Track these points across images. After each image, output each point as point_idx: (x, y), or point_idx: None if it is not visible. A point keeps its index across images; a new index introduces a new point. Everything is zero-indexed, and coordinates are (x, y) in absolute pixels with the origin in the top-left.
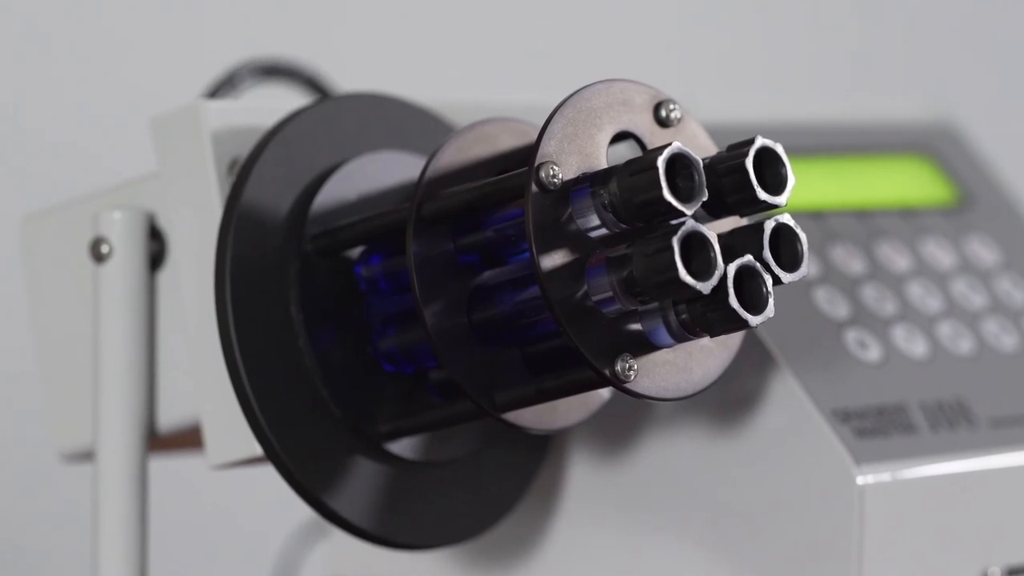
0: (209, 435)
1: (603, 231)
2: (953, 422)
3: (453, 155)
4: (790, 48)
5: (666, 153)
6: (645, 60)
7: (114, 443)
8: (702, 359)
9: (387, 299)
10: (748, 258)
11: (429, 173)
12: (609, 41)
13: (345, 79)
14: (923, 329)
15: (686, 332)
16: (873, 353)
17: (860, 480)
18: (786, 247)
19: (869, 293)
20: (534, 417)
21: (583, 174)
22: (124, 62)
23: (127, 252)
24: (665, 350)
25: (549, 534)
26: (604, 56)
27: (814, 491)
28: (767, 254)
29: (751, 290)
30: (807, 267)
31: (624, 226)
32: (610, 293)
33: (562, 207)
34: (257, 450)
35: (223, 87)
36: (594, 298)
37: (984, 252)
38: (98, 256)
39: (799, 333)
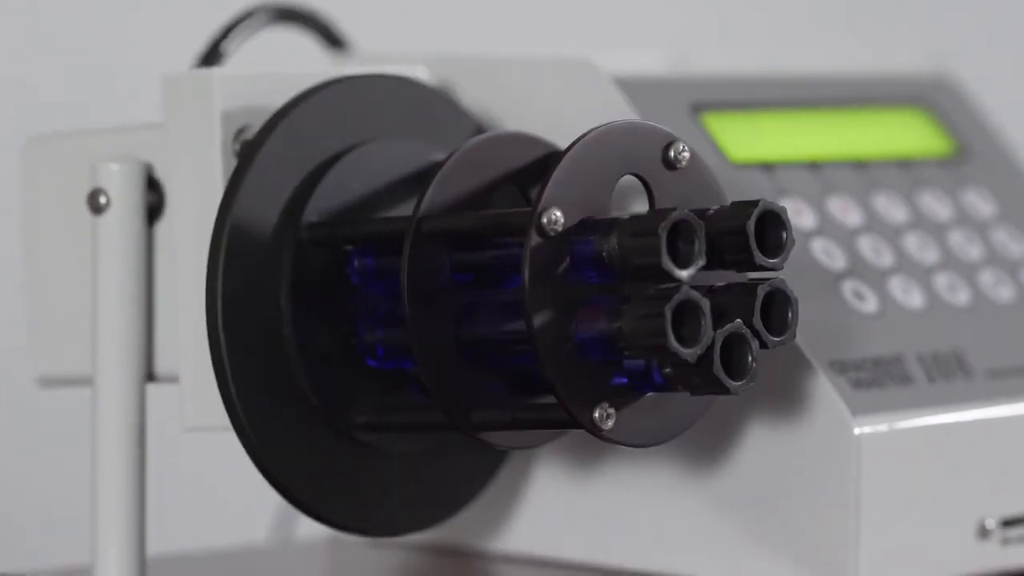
0: (185, 396)
1: (598, 281)
2: (949, 373)
3: (460, 172)
4: (787, 1)
5: (669, 220)
6: (644, 12)
7: (112, 389)
8: (681, 406)
9: (378, 296)
10: (738, 324)
11: (433, 189)
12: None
13: (357, 28)
14: (920, 281)
15: (668, 386)
16: (870, 304)
17: (857, 431)
18: (777, 312)
19: (866, 244)
20: (505, 437)
21: (585, 221)
22: (138, 11)
23: (125, 204)
24: (645, 398)
25: (539, 490)
26: (604, 10)
27: (811, 442)
28: (757, 320)
29: (738, 358)
30: (795, 332)
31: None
32: (598, 345)
33: (560, 254)
34: (228, 422)
35: (235, 27)
36: (581, 347)
37: (981, 204)
38: (96, 207)
39: (796, 284)
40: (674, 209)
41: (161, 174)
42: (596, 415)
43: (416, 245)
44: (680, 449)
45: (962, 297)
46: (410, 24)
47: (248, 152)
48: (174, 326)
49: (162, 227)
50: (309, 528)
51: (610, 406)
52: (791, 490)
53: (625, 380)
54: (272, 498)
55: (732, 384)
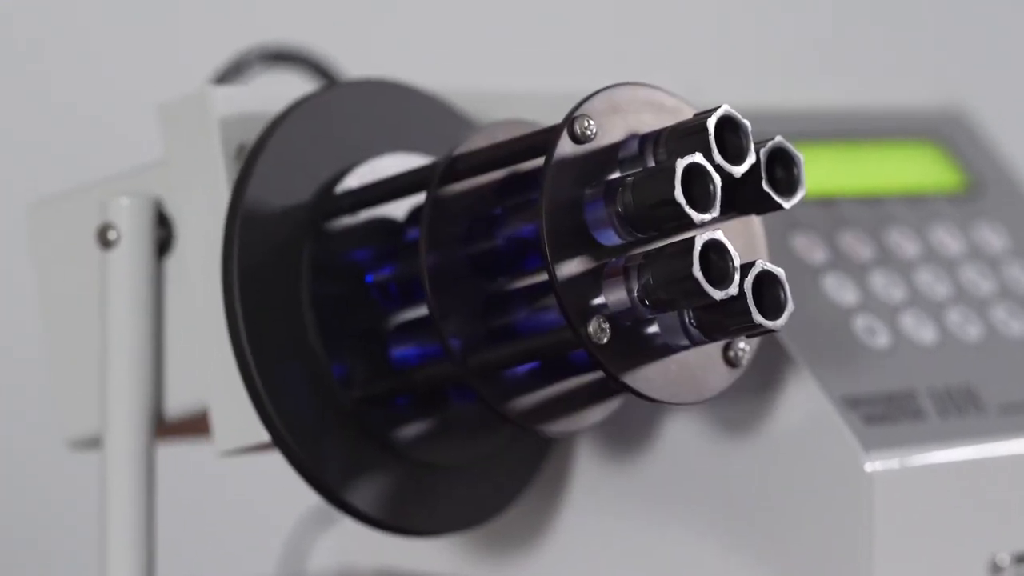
0: (217, 422)
1: (615, 239)
2: (962, 408)
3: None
4: (800, 34)
5: (685, 162)
6: (654, 47)
7: (121, 429)
8: (709, 372)
9: (398, 304)
10: (763, 263)
11: (464, 144)
12: (617, 32)
13: (353, 66)
14: (932, 315)
15: (703, 335)
16: (882, 339)
17: (869, 467)
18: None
19: (878, 279)
20: (547, 423)
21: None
22: (132, 48)
23: (135, 238)
24: (672, 363)
25: (556, 522)
26: (614, 43)
27: (823, 478)
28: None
29: (770, 298)
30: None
31: (638, 235)
32: (628, 303)
33: (580, 186)
34: (264, 437)
35: (231, 73)
36: (612, 309)
37: (993, 238)
38: (105, 242)
39: (808, 320)
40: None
41: (171, 209)
42: (591, 329)
43: (434, 240)
44: (692, 485)
45: (974, 332)
46: (405, 62)
47: (248, 161)
48: (186, 359)
49: (172, 262)
50: (319, 562)
51: (606, 322)
52: (803, 526)
53: (660, 331)
54: (281, 531)
55: (771, 323)
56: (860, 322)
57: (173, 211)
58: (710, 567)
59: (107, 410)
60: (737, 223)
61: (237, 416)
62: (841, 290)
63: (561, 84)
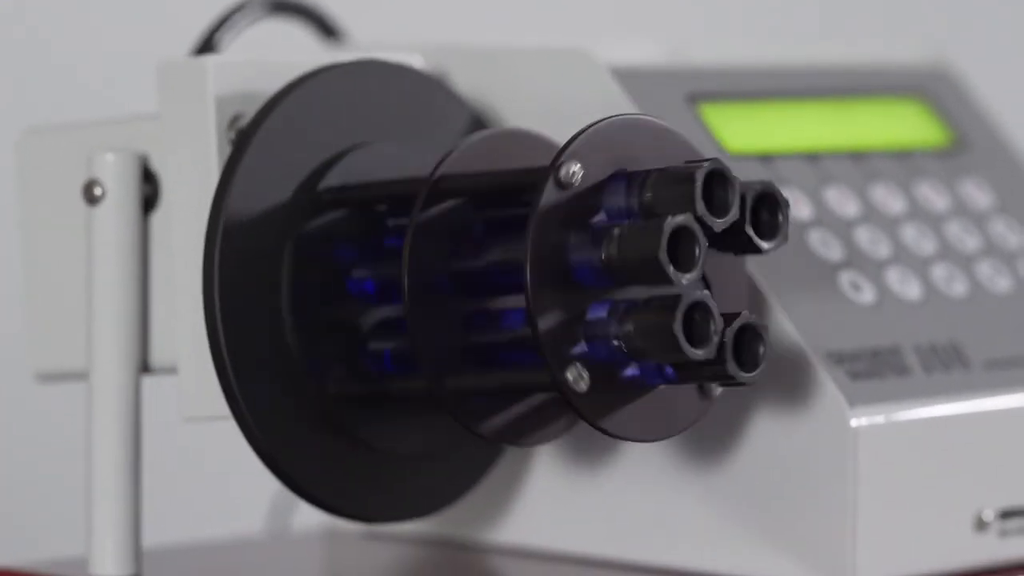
0: (184, 387)
1: (598, 284)
2: (947, 364)
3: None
4: None
5: (703, 171)
6: (642, 5)
7: (108, 380)
8: (684, 403)
9: (376, 301)
10: (745, 316)
11: (453, 155)
12: None
13: (357, 20)
14: (917, 271)
15: (677, 379)
16: (867, 295)
17: (854, 422)
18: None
19: (863, 235)
20: (516, 438)
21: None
22: None
23: (120, 195)
24: (647, 401)
25: (536, 481)
26: (602, 3)
27: (808, 433)
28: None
29: (749, 350)
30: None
31: (620, 283)
32: (607, 352)
33: (573, 211)
34: (227, 411)
35: (229, 19)
36: (592, 356)
37: (978, 195)
38: (91, 198)
39: (793, 275)
40: (705, 161)
41: (157, 165)
42: (570, 376)
43: (430, 201)
44: (677, 441)
45: (960, 288)
46: (405, 14)
47: (242, 140)
48: (170, 317)
49: (157, 218)
50: (304, 519)
51: (585, 371)
52: (788, 481)
53: (637, 373)
54: (268, 489)
55: (746, 376)
56: (845, 278)
57: (159, 167)
58: (692, 523)
59: (94, 364)
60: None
61: (203, 385)
62: (826, 246)
63: (551, 39)
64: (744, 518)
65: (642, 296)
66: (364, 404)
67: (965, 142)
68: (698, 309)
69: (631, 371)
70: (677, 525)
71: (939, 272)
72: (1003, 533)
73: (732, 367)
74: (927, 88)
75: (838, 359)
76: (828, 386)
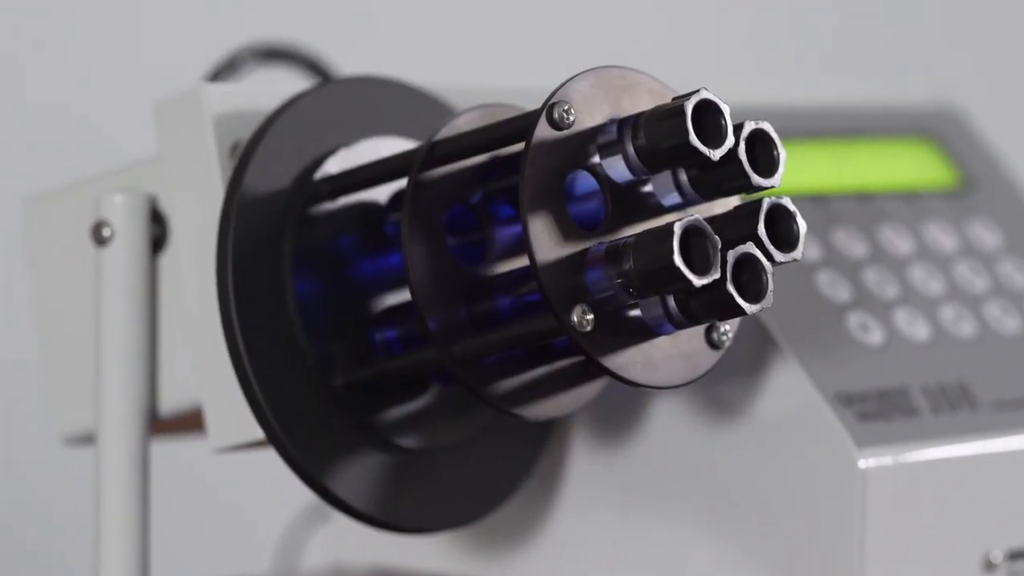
0: (211, 419)
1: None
2: (955, 405)
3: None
4: (794, 31)
5: (692, 100)
6: (647, 42)
7: (116, 426)
8: (692, 354)
9: (381, 290)
10: (748, 246)
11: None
12: (611, 25)
13: (346, 63)
14: (925, 312)
15: (685, 319)
16: (875, 336)
17: (862, 464)
18: (783, 228)
19: (871, 276)
20: (528, 407)
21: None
22: (127, 45)
23: (129, 235)
24: (655, 347)
25: (550, 517)
26: (606, 40)
27: (816, 475)
28: (762, 232)
29: (751, 280)
30: (803, 247)
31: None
32: (610, 289)
33: (567, 156)
34: (258, 434)
35: (224, 71)
36: (594, 295)
37: (986, 235)
38: (100, 239)
39: (801, 317)
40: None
41: (165, 206)
42: (575, 319)
43: (415, 231)
44: (686, 479)
45: (968, 329)
46: (398, 58)
47: (242, 158)
48: (180, 357)
49: (166, 260)
50: (312, 559)
51: (590, 313)
52: (796, 522)
53: (641, 313)
54: (275, 529)
55: (747, 306)
56: (854, 319)
57: (167, 208)
58: (703, 563)
59: (101, 407)
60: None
61: (231, 413)
62: (834, 287)
63: (553, 79)
64: (753, 557)
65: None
66: (383, 397)
67: (973, 183)
68: (695, 232)
69: (636, 314)
70: (686, 564)
71: (947, 313)
72: (1012, 575)
73: (733, 291)
74: (934, 129)
75: (846, 400)
76: (836, 427)
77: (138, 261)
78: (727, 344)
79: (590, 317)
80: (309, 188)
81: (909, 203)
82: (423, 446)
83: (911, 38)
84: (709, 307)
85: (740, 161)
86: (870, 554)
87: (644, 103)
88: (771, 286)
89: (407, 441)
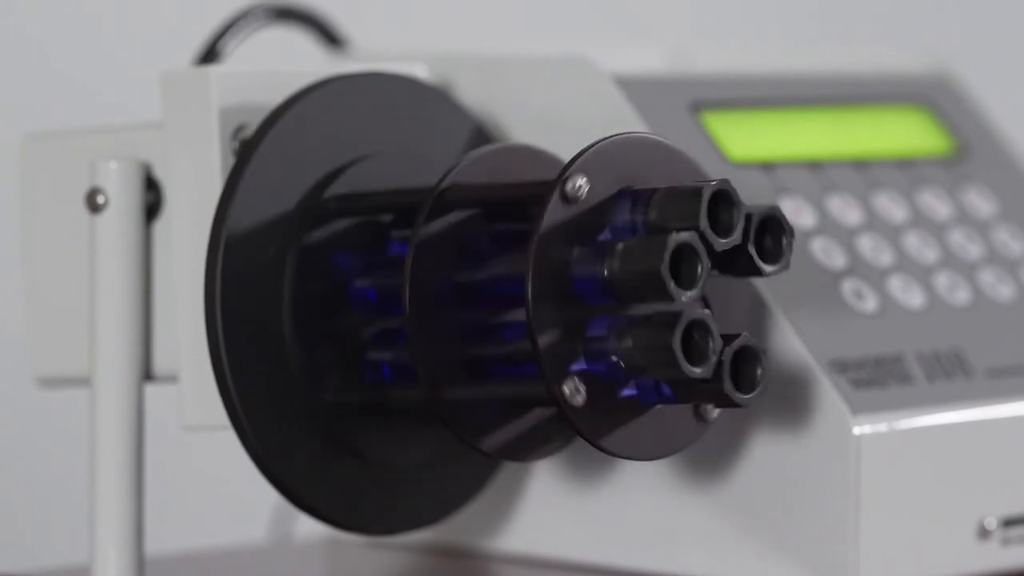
0: (185, 396)
1: (599, 300)
2: (950, 372)
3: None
4: None
5: (709, 190)
6: (643, 10)
7: (111, 388)
8: (680, 422)
9: (377, 312)
10: (746, 337)
11: (461, 167)
12: None
13: (358, 26)
14: (920, 280)
15: (675, 398)
16: (870, 304)
17: (857, 430)
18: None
19: (866, 244)
20: (512, 453)
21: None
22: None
23: (123, 203)
24: (643, 420)
25: (536, 489)
26: (603, 7)
27: (811, 442)
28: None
29: (746, 371)
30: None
31: (621, 300)
32: (605, 367)
33: (575, 227)
34: (227, 421)
35: (234, 26)
36: (589, 370)
37: (981, 203)
38: (94, 206)
39: (796, 284)
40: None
41: (160, 173)
42: (566, 390)
43: (434, 213)
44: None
45: (962, 296)
46: (409, 22)
47: (245, 151)
48: (172, 325)
49: (160, 226)
50: (307, 528)
51: (582, 384)
52: (791, 490)
53: (635, 392)
54: (270, 498)
55: (742, 398)
56: (848, 286)
57: (162, 176)
58: (695, 531)
59: (96, 372)
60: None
61: (204, 394)
62: (829, 254)
63: (553, 47)
64: (747, 526)
65: (643, 313)
66: (364, 415)
67: (968, 150)
68: (697, 327)
69: (629, 390)
70: (679, 533)
71: (942, 280)
72: (1006, 541)
73: (729, 387)
74: (929, 96)
75: (841, 367)
76: (831, 394)
77: (132, 229)
78: (714, 419)
79: (583, 389)
80: (314, 204)
81: (904, 170)
82: (392, 463)
83: (907, 5)
84: (704, 395)
85: (749, 253)
86: (864, 521)
87: (656, 172)
88: (764, 382)
89: (377, 457)
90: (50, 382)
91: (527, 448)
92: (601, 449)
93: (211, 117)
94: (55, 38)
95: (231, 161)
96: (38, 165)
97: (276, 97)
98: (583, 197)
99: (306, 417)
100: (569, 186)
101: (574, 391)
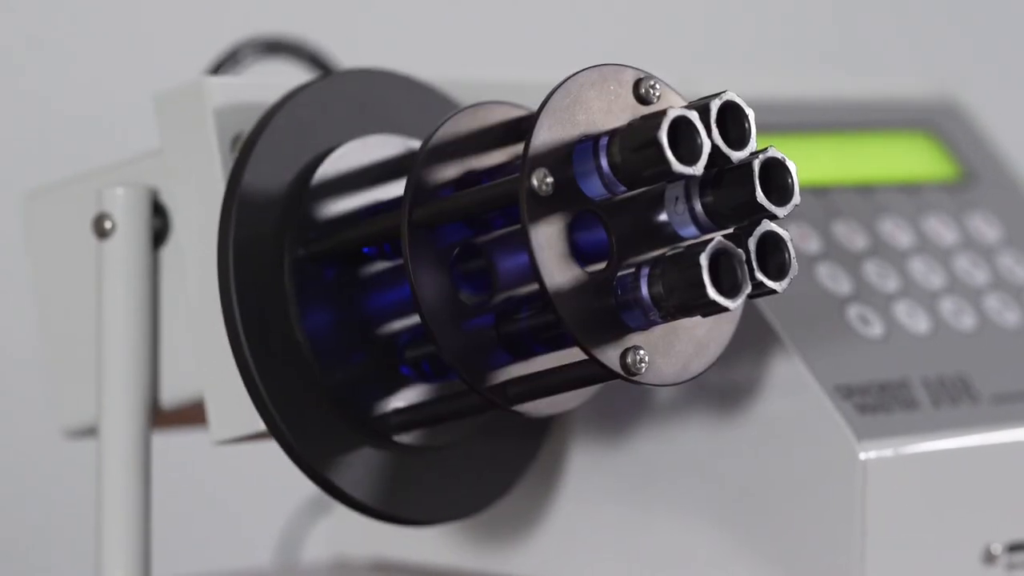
0: (212, 411)
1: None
2: (955, 398)
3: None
4: (794, 24)
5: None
6: (648, 37)
7: (117, 419)
8: (696, 338)
9: (388, 293)
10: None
11: (417, 170)
12: (611, 20)
13: (348, 56)
14: (925, 305)
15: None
16: (875, 329)
17: (863, 456)
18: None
19: (871, 269)
20: (532, 405)
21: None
22: (129, 38)
23: (130, 228)
24: (659, 336)
25: (550, 511)
26: (608, 34)
27: (817, 467)
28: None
29: (727, 272)
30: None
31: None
32: (643, 317)
33: (558, 211)
34: (259, 426)
35: (226, 63)
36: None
37: (986, 228)
38: (101, 232)
39: (801, 309)
40: (663, 111)
41: (166, 198)
42: (629, 360)
43: (414, 239)
44: (686, 471)
45: (968, 322)
46: (400, 53)
47: (244, 150)
48: (181, 349)
49: (167, 252)
50: (313, 552)
51: (641, 349)
52: (797, 514)
53: (632, 316)
54: (277, 522)
55: (726, 301)
56: (854, 311)
57: (168, 201)
58: (703, 555)
59: (103, 400)
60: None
61: (232, 405)
62: (835, 279)
63: (553, 73)
64: (753, 550)
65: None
66: (384, 395)
67: (973, 176)
68: (723, 256)
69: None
70: (686, 556)
71: (947, 305)
72: (1011, 566)
73: (759, 276)
74: (935, 122)
75: (846, 392)
76: (836, 420)
77: (140, 254)
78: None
79: (642, 353)
80: (307, 193)
81: (909, 196)
82: (423, 444)
83: (912, 31)
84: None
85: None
86: (870, 546)
87: (599, 114)
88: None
89: (407, 439)
90: (77, 433)
91: (544, 395)
92: (639, 383)
93: (209, 126)
94: (48, 80)
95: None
96: (41, 217)
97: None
98: (549, 188)
99: (333, 408)
100: (536, 181)
101: (637, 361)
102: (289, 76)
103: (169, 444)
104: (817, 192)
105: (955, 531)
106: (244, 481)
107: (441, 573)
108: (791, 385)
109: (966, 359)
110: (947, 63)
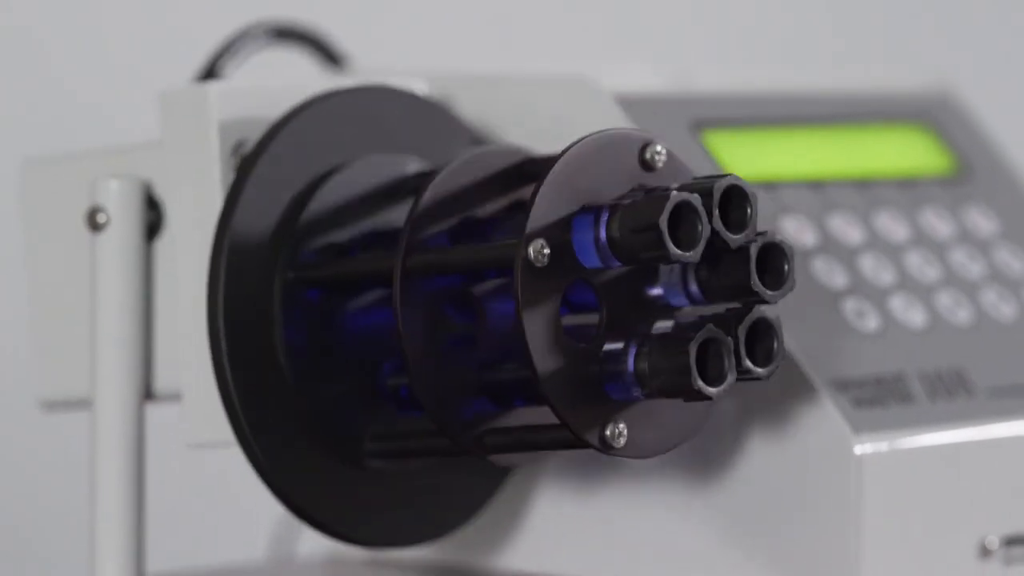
0: (187, 413)
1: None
2: (951, 392)
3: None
4: (790, 18)
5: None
6: (645, 32)
7: (110, 408)
8: (678, 415)
9: (374, 325)
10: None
11: (414, 217)
12: (610, 14)
13: (356, 45)
14: (921, 299)
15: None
16: (871, 323)
17: (858, 450)
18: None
19: (867, 263)
20: (506, 457)
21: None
22: (136, 18)
23: (124, 222)
24: (640, 408)
25: (541, 506)
26: (605, 26)
27: (812, 461)
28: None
29: (714, 360)
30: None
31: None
32: (617, 380)
33: (551, 284)
34: (231, 437)
35: (232, 46)
36: (580, 373)
37: (983, 222)
38: (95, 225)
39: (797, 303)
40: (668, 191)
41: (160, 192)
42: (608, 433)
43: (405, 287)
44: (680, 467)
45: (964, 315)
46: (409, 41)
47: (245, 166)
48: (174, 343)
49: (161, 245)
50: (308, 546)
51: (620, 423)
52: (792, 508)
53: (615, 388)
54: (271, 515)
55: (710, 391)
56: (849, 305)
57: (163, 195)
58: (696, 549)
59: (97, 390)
60: None
61: (208, 410)
62: (830, 273)
63: (555, 66)
64: (748, 544)
65: (650, 331)
66: (357, 422)
67: (969, 169)
68: (711, 344)
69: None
70: (680, 551)
71: (943, 299)
72: (1007, 560)
73: (746, 363)
74: (931, 115)
75: (842, 386)
76: (832, 413)
77: (133, 247)
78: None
79: (622, 427)
80: (303, 215)
81: (905, 190)
82: (393, 469)
83: (908, 25)
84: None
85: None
86: (866, 540)
87: (602, 181)
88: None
89: (378, 463)
90: (53, 405)
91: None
92: (615, 455)
93: (211, 134)
94: (55, 57)
95: (231, 177)
96: (38, 187)
97: (275, 113)
98: (545, 260)
99: (309, 431)
100: (531, 253)
101: (616, 434)
102: (295, 73)
103: (161, 437)
104: (813, 185)
105: (951, 525)
106: (238, 475)
107: (434, 568)
108: (787, 379)
109: (962, 353)
110: (943, 56)
